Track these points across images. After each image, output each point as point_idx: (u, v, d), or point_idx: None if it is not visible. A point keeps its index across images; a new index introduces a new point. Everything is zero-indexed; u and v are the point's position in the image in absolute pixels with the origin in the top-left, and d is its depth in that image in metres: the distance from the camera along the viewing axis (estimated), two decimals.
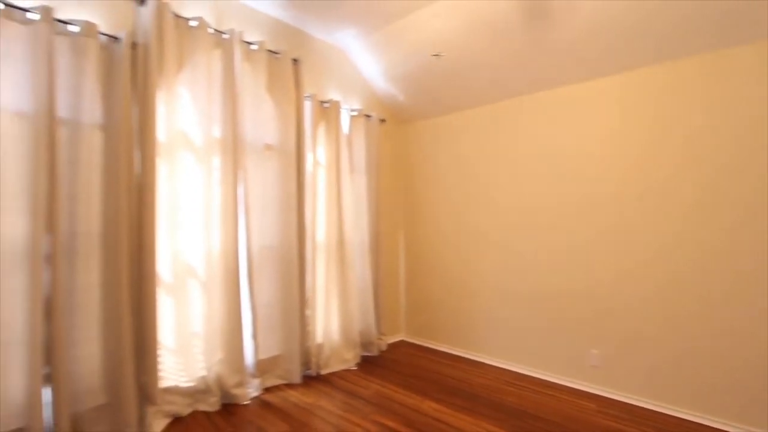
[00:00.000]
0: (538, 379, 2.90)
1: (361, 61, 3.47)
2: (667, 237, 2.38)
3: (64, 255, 1.89)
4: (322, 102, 3.17)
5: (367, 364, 3.20)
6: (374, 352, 3.40)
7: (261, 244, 2.74)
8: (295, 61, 2.89)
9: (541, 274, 2.93)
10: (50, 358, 1.81)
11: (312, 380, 2.86)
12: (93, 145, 2.00)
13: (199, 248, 2.41)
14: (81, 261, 1.97)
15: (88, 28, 1.94)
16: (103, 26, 2.07)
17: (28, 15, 1.79)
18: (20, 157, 1.79)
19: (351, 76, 3.52)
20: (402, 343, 3.81)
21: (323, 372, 2.98)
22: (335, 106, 3.17)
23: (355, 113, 3.42)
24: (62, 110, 1.91)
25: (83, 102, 1.96)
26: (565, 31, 2.46)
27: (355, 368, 3.10)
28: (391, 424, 2.24)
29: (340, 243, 3.18)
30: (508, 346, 3.13)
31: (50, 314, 1.81)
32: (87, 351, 2.00)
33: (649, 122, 2.45)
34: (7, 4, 1.76)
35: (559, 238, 2.84)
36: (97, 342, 2.03)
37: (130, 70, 2.07)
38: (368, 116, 3.54)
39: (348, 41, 3.28)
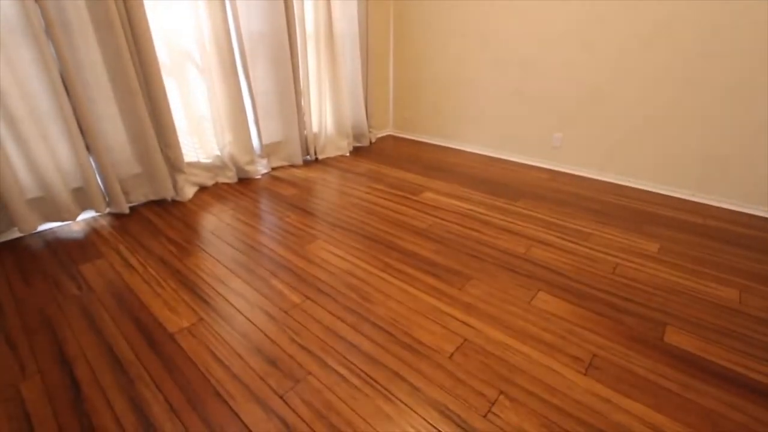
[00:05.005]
0: (506, 160, 3.40)
1: None
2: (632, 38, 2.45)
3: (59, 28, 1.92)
4: None
5: (359, 152, 3.63)
6: (365, 143, 3.79)
7: (250, 29, 2.71)
8: None
9: (516, 69, 3.06)
10: (82, 129, 2.08)
11: (312, 163, 3.31)
12: None
13: (190, 32, 2.40)
14: (78, 38, 2.01)
15: None
16: None
17: None
18: None
19: None
20: (389, 137, 4.19)
21: (320, 157, 3.41)
22: None
23: None
24: None
25: None
26: None
27: (348, 155, 3.53)
28: (380, 187, 2.76)
29: (329, 35, 3.12)
30: (484, 135, 3.52)
31: (68, 88, 1.98)
32: (111, 126, 2.26)
33: None
34: None
35: (534, 37, 2.86)
36: (119, 118, 2.27)
37: None
38: None
39: None
